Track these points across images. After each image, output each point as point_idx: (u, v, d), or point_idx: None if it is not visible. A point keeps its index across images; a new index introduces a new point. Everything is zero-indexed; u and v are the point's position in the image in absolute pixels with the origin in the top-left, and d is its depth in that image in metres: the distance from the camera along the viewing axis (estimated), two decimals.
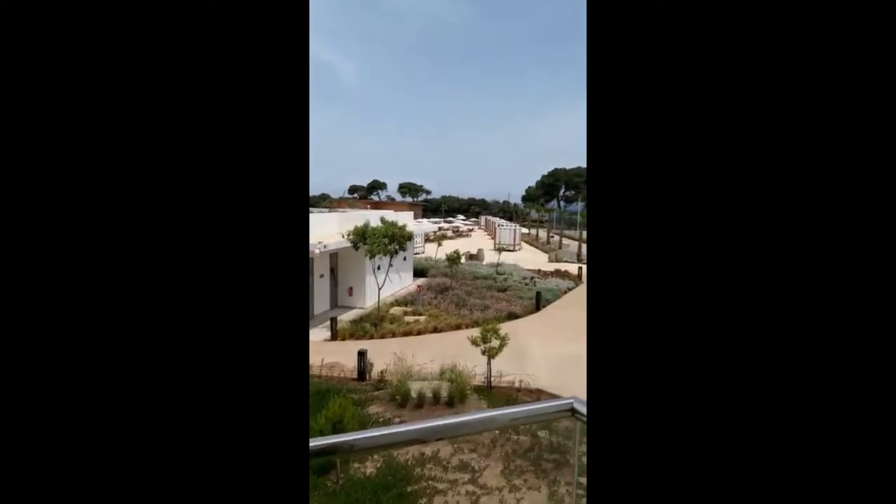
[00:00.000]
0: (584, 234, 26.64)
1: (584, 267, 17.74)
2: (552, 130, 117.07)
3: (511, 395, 6.45)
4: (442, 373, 6.58)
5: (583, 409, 1.27)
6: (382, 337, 9.05)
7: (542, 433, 5.23)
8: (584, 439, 1.27)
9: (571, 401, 1.31)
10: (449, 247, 17.67)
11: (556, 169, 65.31)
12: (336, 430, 4.67)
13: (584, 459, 1.11)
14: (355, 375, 7.03)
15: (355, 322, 9.80)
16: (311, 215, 10.16)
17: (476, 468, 4.49)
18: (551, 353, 8.30)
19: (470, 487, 4.23)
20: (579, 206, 48.16)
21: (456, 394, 6.08)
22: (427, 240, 22.90)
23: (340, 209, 18.47)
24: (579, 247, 22.74)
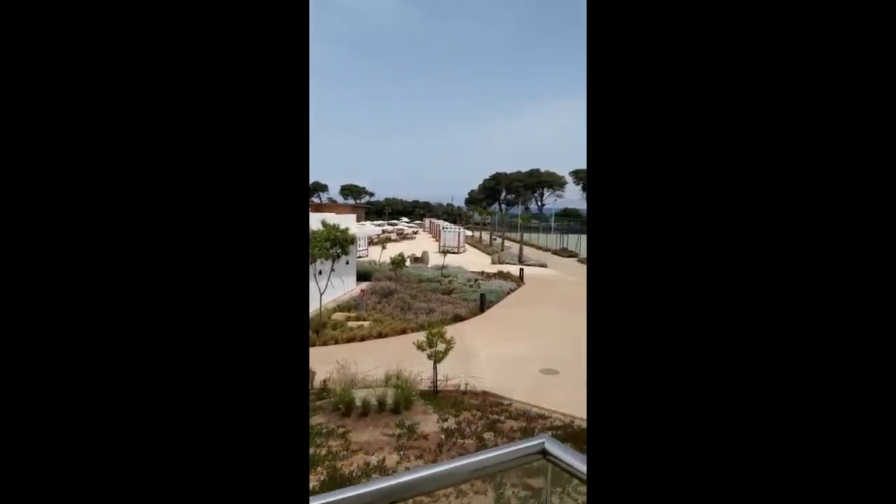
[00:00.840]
0: (524, 236, 27.36)
1: (525, 268, 18.21)
2: (495, 135, 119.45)
3: (457, 398, 6.46)
4: (387, 379, 6.47)
5: (555, 449, 1.17)
6: (325, 344, 8.78)
7: (487, 434, 5.27)
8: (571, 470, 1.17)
9: (542, 441, 1.18)
10: (393, 250, 17.51)
11: (497, 173, 66.79)
12: None
13: (555, 499, 1.06)
14: None
15: None
16: None
17: None
18: (495, 354, 8.42)
19: (417, 497, 4.16)
20: (519, 208, 49.52)
21: (402, 400, 6.00)
22: (371, 243, 22.56)
23: None
24: (520, 248, 23.33)
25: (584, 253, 24.95)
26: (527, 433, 5.34)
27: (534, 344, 9.13)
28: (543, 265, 21.07)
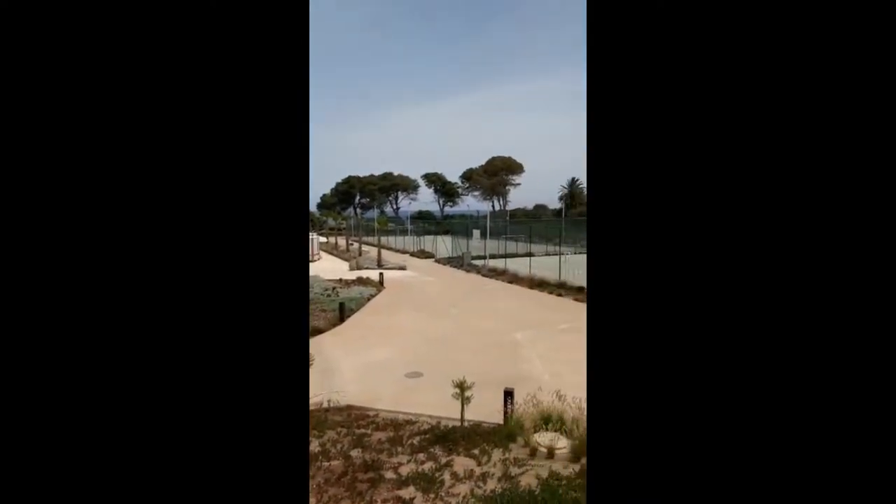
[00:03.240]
0: (382, 239, 27.35)
1: (384, 272, 18.15)
2: (346, 138, 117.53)
3: (320, 417, 6.05)
4: None
5: None
6: None
7: (354, 452, 5.03)
8: None
9: None
10: None
11: (350, 176, 65.75)
12: None
13: None
14: None
15: None
16: None
17: None
18: (359, 364, 8.15)
19: None
20: (375, 212, 49.49)
21: None
22: None
23: None
24: (378, 252, 23.23)
25: (440, 253, 25.90)
26: (396, 442, 5.23)
27: (397, 348, 9.08)
28: (403, 268, 21.30)
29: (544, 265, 17.69)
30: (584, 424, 4.91)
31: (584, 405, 5.10)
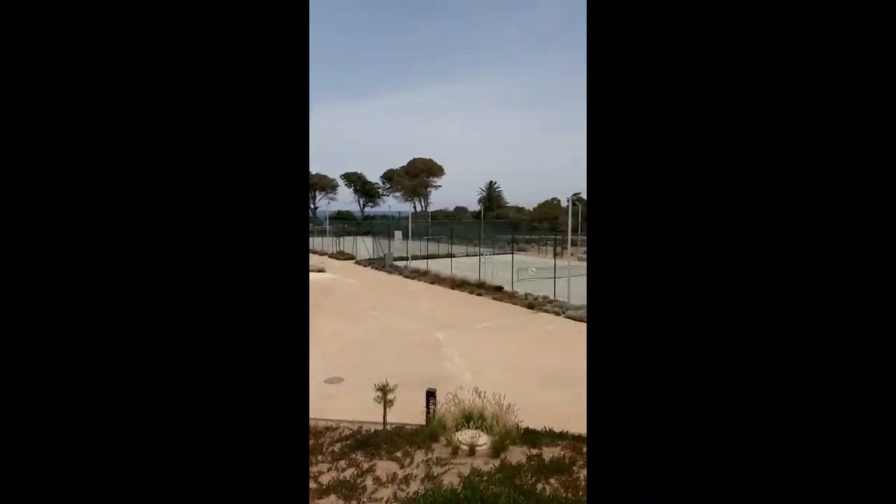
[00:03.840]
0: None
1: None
2: None
3: None
4: None
5: None
6: None
7: None
8: None
9: None
10: None
11: None
12: None
13: None
14: None
15: None
16: None
17: None
18: None
19: None
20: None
21: None
22: None
23: None
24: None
25: (360, 254, 25.43)
26: (315, 451, 5.03)
27: (316, 353, 8.77)
28: (321, 270, 20.63)
29: (465, 266, 18.05)
30: (503, 420, 5.06)
31: (503, 401, 5.27)
